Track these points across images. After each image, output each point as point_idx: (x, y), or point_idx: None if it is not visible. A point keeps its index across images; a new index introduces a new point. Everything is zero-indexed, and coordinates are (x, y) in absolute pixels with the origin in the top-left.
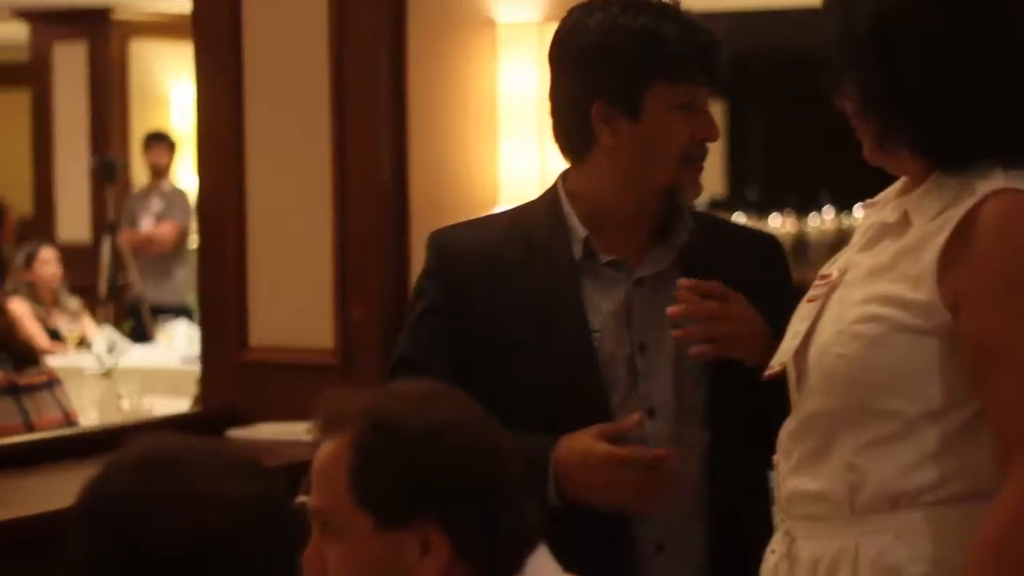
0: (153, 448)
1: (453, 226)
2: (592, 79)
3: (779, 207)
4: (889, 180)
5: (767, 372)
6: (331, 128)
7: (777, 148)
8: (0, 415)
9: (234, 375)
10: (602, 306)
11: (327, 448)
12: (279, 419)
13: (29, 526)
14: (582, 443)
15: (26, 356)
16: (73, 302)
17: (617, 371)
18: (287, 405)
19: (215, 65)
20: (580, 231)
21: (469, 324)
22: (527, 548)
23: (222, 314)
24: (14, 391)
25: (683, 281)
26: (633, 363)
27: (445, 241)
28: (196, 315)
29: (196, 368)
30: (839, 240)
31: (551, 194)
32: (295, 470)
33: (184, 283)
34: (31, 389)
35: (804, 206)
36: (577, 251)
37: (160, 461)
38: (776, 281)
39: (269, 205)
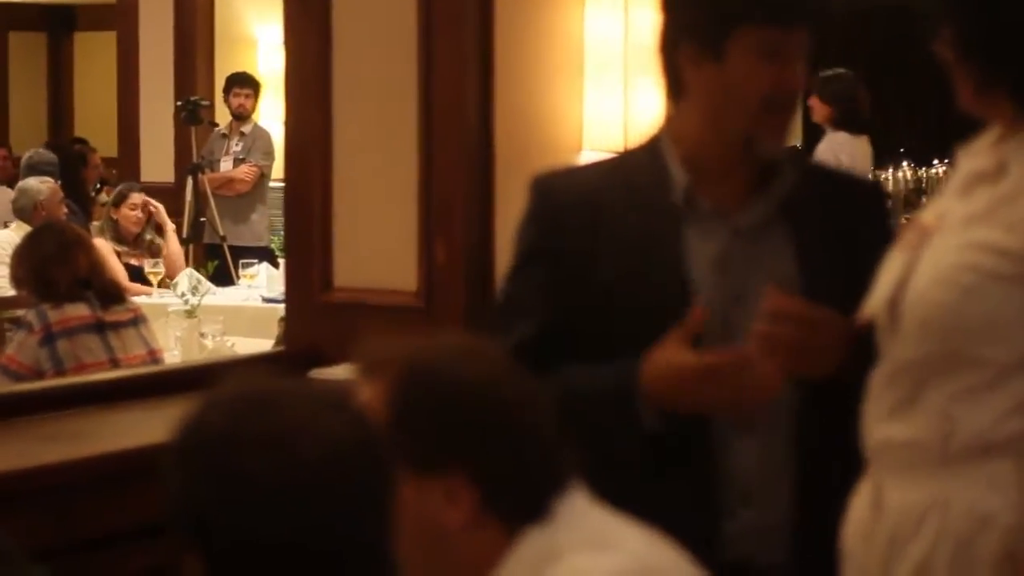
0: (247, 387)
1: (556, 171)
2: (680, 19)
3: None
4: (963, 132)
5: (859, 320)
6: (418, 70)
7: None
8: (86, 352)
9: (318, 315)
10: (700, 255)
11: (366, 393)
12: None
13: (116, 461)
14: (668, 359)
15: (112, 294)
16: (157, 242)
17: (711, 321)
18: None
19: (303, 7)
20: (680, 176)
21: (568, 270)
22: (556, 495)
23: (307, 255)
24: (100, 328)
25: (771, 302)
26: (727, 314)
27: (547, 186)
28: (277, 256)
29: (277, 308)
30: (917, 192)
31: (653, 138)
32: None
33: (261, 225)
34: (117, 326)
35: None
36: (677, 197)
37: (255, 399)
38: (879, 233)
39: (355, 147)
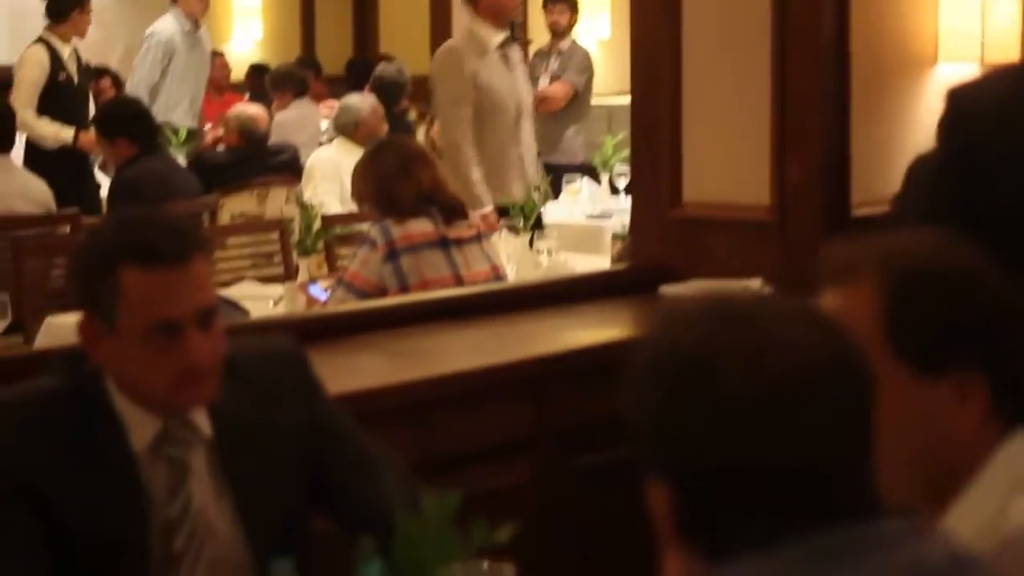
0: (716, 302)
1: (970, 80)
2: None
3: None
4: None
5: None
6: None
7: None
8: (430, 267)
9: (666, 231)
10: None
11: (839, 299)
12: (712, 276)
13: (471, 380)
14: None
15: (455, 209)
16: None
17: None
18: (721, 262)
19: None
20: None
21: (981, 181)
22: None
23: (655, 170)
24: (444, 244)
25: None
26: None
27: (959, 96)
28: (598, 172)
29: (605, 226)
30: None
31: None
32: None
33: (576, 142)
34: (460, 242)
35: None
36: None
37: (729, 315)
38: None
39: (706, 60)
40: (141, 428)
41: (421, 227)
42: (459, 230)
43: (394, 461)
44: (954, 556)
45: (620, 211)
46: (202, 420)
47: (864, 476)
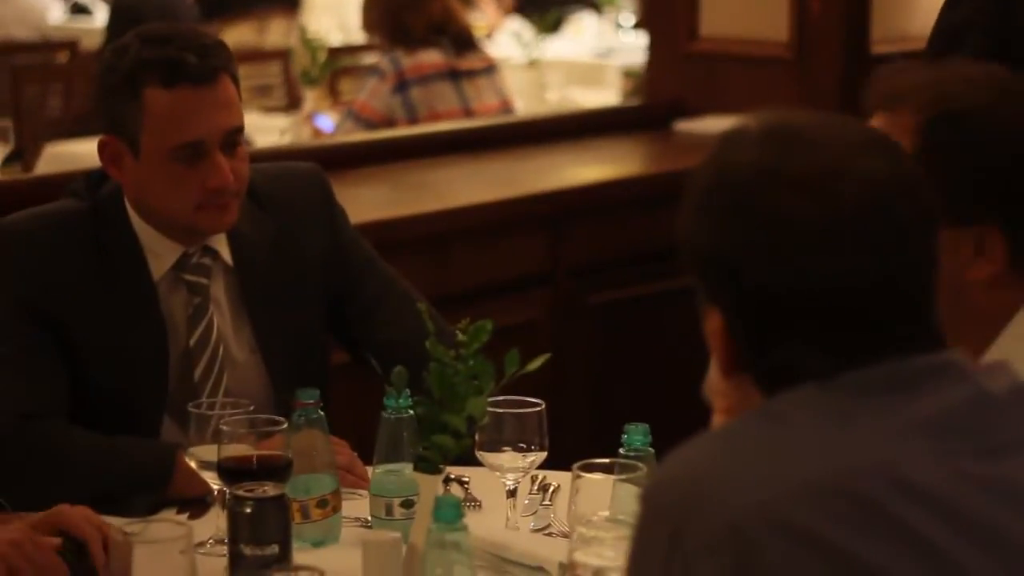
0: (773, 123)
1: None
2: None
3: None
4: None
5: None
6: None
7: None
8: (439, 99)
9: (681, 66)
10: None
11: (882, 123)
12: (728, 112)
13: (488, 212)
14: None
15: (466, 40)
16: None
17: None
18: (736, 98)
19: None
20: None
21: None
22: None
23: (672, 4)
24: (454, 75)
25: None
26: None
27: None
28: (602, 7)
29: (613, 61)
30: None
31: None
32: None
33: None
34: (471, 74)
35: None
36: None
37: (787, 136)
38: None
39: None
40: (160, 254)
41: (431, 58)
42: (470, 61)
43: (416, 293)
44: (1018, 388)
45: (625, 49)
46: (223, 247)
47: (927, 308)
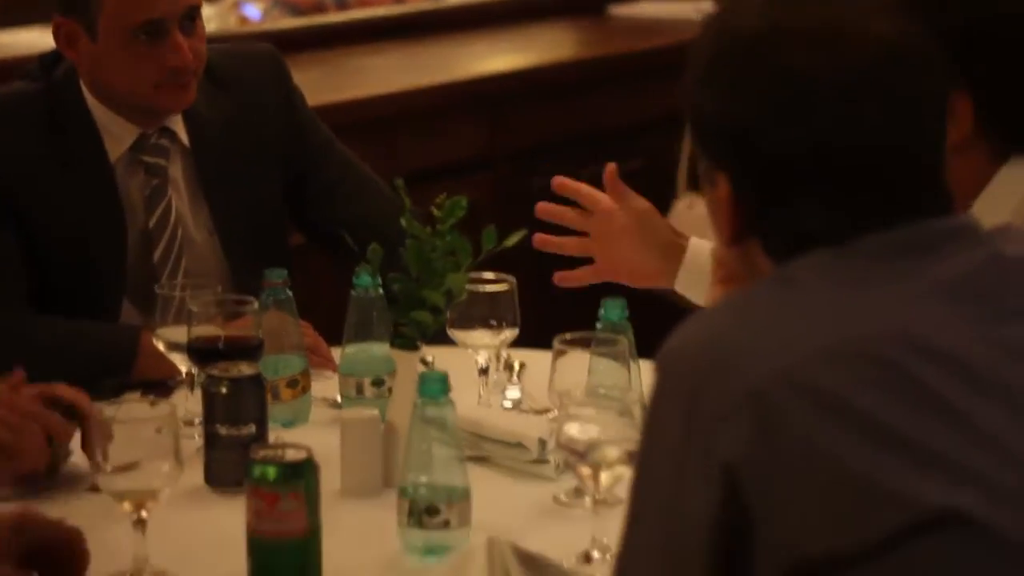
0: None
1: None
2: None
3: None
4: None
5: None
6: None
7: None
8: None
9: None
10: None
11: None
12: None
13: (435, 95)
14: None
15: None
16: None
17: None
18: None
19: None
20: None
21: None
22: None
23: None
24: None
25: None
26: None
27: None
28: None
29: None
30: None
31: None
32: (680, 51)
33: None
34: None
35: None
36: None
37: None
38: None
39: None
40: (118, 136)
41: None
42: None
43: (374, 175)
44: None
45: None
46: (180, 128)
47: (940, 173)
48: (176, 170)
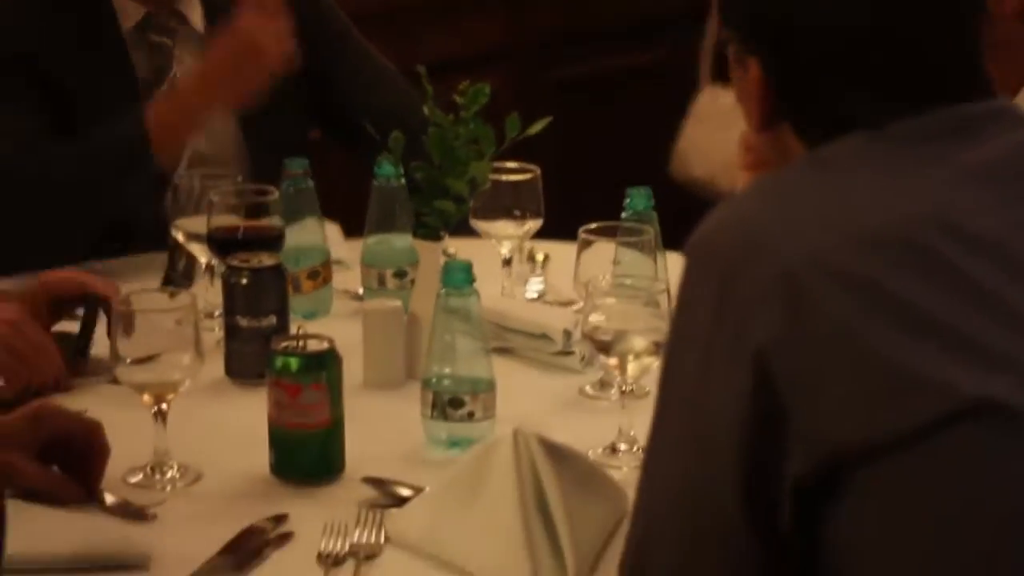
0: None
1: None
2: None
3: None
4: None
5: None
6: None
7: None
8: None
9: None
10: None
11: None
12: None
13: None
14: None
15: None
16: None
17: None
18: None
19: None
20: None
21: None
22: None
23: None
24: None
25: None
26: None
27: None
28: None
29: None
30: None
31: None
32: None
33: None
34: None
35: None
36: None
37: None
38: None
39: None
40: (126, 11)
41: None
42: None
43: (391, 65)
44: None
45: None
46: (195, 13)
47: (979, 56)
48: (185, 52)
